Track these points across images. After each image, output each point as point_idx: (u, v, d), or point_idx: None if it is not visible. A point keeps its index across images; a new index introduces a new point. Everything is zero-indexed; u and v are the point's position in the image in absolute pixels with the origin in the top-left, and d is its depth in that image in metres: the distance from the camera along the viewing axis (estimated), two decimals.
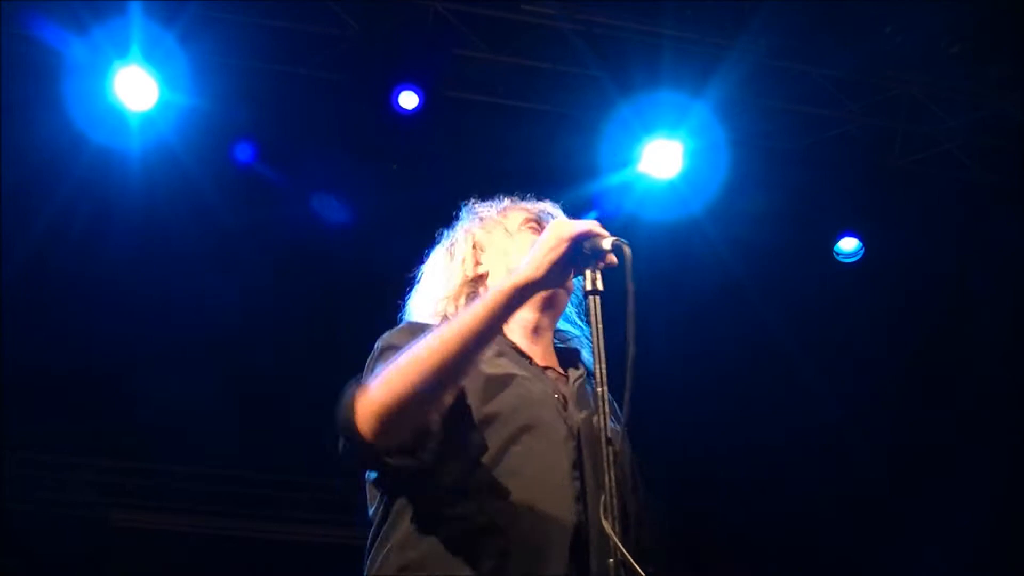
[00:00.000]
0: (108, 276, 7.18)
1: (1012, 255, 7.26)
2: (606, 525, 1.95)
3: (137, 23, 5.77)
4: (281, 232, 7.29)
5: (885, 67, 6.65)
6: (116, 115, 6.06)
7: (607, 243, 2.17)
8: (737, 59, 6.34)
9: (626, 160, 6.68)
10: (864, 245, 7.27)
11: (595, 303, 2.16)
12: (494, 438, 2.22)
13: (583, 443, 2.29)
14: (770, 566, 8.82)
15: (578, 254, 2.16)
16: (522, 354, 2.46)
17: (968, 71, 6.60)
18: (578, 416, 2.35)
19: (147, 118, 6.13)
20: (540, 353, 2.53)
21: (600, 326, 2.15)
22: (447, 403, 2.18)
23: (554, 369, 2.51)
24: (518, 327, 2.52)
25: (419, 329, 2.32)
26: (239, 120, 6.43)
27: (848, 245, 7.30)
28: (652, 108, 6.44)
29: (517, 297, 2.14)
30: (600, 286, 2.17)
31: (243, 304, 7.59)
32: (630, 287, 2.11)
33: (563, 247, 2.15)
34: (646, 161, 6.63)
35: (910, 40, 6.39)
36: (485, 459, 2.19)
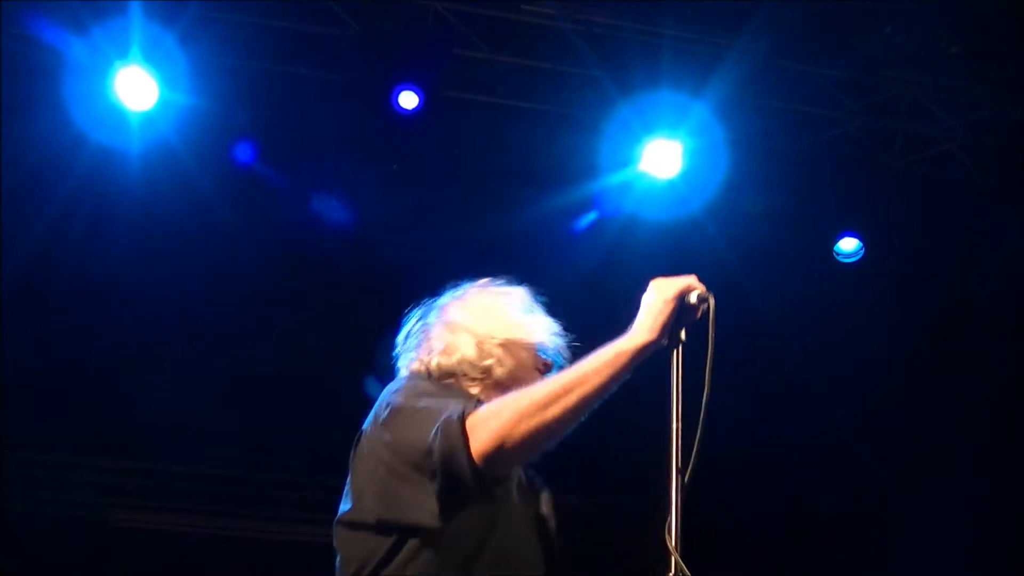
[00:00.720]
0: (108, 276, 7.19)
1: (1012, 255, 7.25)
2: (669, 541, 2.22)
3: (137, 23, 5.78)
4: (281, 232, 7.29)
5: (885, 67, 6.65)
6: (116, 115, 6.06)
7: (694, 296, 2.35)
8: (737, 59, 6.34)
9: (626, 160, 6.68)
10: (864, 245, 7.27)
11: (678, 353, 2.34)
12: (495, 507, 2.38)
13: (551, 536, 2.51)
14: (769, 566, 8.82)
15: (681, 311, 2.35)
16: None
17: (968, 71, 6.60)
18: (544, 511, 2.55)
19: (147, 118, 6.13)
20: None
21: (680, 373, 2.33)
22: None
23: None
24: None
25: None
26: (239, 120, 6.44)
27: (848, 245, 7.30)
28: (652, 108, 6.44)
29: (636, 360, 2.30)
30: (684, 338, 2.36)
31: (243, 304, 7.59)
32: (712, 334, 2.29)
33: (670, 307, 2.32)
34: (646, 161, 6.63)
35: (910, 40, 6.39)
36: (486, 529, 2.36)
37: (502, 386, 2.51)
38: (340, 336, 7.68)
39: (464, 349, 2.56)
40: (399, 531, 2.34)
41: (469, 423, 2.20)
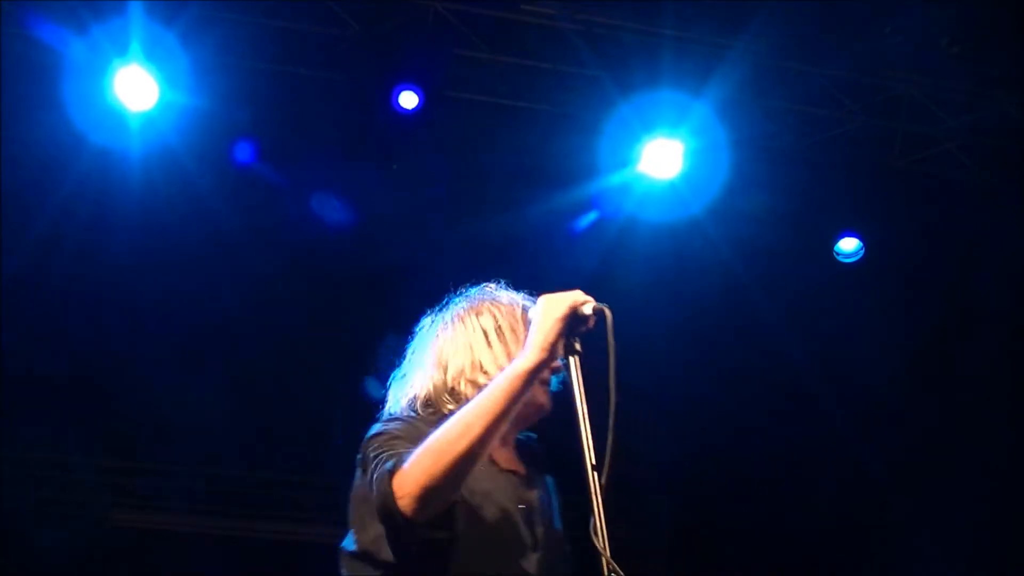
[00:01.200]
0: (108, 276, 7.19)
1: (1012, 255, 7.26)
2: (596, 542, 2.22)
3: (137, 23, 5.77)
4: (281, 232, 7.29)
5: (885, 67, 6.65)
6: (116, 115, 6.06)
7: (588, 308, 2.42)
8: (737, 59, 6.34)
9: (626, 160, 6.68)
10: (864, 245, 7.27)
11: (575, 364, 2.42)
12: (476, 541, 2.45)
13: (546, 558, 2.55)
14: (769, 566, 8.82)
15: (570, 326, 2.41)
16: (490, 459, 2.60)
17: (968, 71, 6.60)
18: (540, 529, 2.59)
19: (147, 118, 6.13)
20: (505, 456, 2.68)
21: (582, 385, 2.39)
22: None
23: (516, 473, 2.68)
24: None
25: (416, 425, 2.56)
26: (239, 120, 6.44)
27: (848, 245, 7.30)
28: (652, 108, 6.44)
29: (531, 379, 2.38)
30: (579, 348, 2.43)
31: (243, 304, 7.59)
32: (611, 343, 2.35)
33: (559, 326, 2.39)
34: (646, 161, 6.63)
35: (910, 40, 6.39)
36: (470, 556, 2.43)
37: None
38: (340, 336, 7.68)
39: (436, 383, 2.67)
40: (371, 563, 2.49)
41: (397, 478, 2.31)
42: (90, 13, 5.80)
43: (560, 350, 2.40)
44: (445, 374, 2.67)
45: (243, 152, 6.60)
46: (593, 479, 2.27)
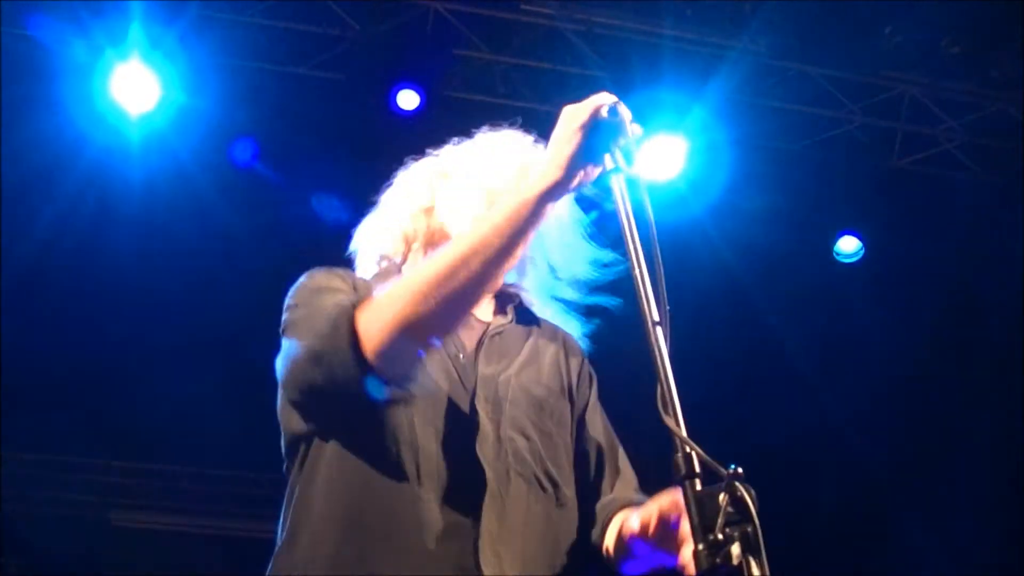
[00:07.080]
0: (108, 276, 7.19)
1: (1012, 255, 7.26)
2: (666, 419, 1.76)
3: (137, 23, 5.78)
4: (281, 232, 7.29)
5: (885, 67, 6.65)
6: (116, 115, 6.07)
7: (605, 111, 1.96)
8: (737, 59, 6.35)
9: (625, 160, 6.67)
10: (864, 245, 7.27)
11: (619, 183, 1.98)
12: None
13: (478, 400, 2.12)
14: (769, 566, 8.81)
15: (596, 137, 1.96)
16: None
17: (968, 71, 6.61)
18: (483, 371, 2.17)
19: (147, 118, 6.13)
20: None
21: (630, 211, 1.96)
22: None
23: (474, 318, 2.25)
24: None
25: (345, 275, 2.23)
26: (239, 120, 6.44)
27: (848, 245, 7.30)
28: (652, 108, 6.44)
29: (542, 204, 1.94)
30: (622, 162, 2.00)
31: (243, 304, 7.59)
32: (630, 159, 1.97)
33: (578, 137, 1.94)
34: (646, 161, 6.63)
35: (910, 40, 6.39)
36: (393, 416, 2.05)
37: None
38: None
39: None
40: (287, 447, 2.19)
41: (363, 314, 1.94)
42: (90, 13, 5.80)
43: (583, 170, 1.96)
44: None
45: (243, 152, 6.61)
46: (655, 336, 1.77)
